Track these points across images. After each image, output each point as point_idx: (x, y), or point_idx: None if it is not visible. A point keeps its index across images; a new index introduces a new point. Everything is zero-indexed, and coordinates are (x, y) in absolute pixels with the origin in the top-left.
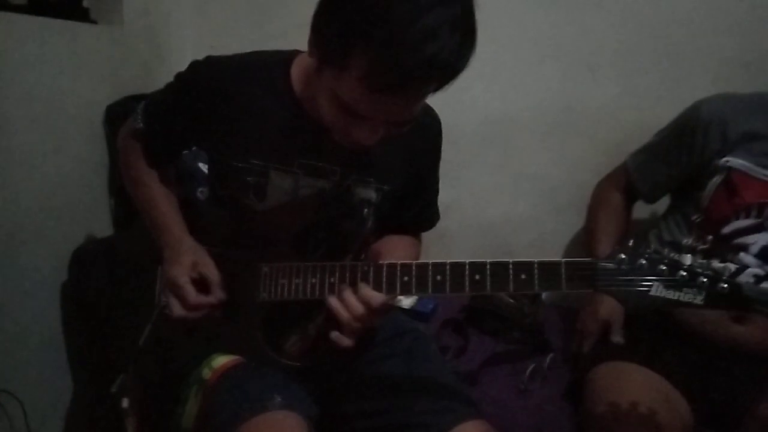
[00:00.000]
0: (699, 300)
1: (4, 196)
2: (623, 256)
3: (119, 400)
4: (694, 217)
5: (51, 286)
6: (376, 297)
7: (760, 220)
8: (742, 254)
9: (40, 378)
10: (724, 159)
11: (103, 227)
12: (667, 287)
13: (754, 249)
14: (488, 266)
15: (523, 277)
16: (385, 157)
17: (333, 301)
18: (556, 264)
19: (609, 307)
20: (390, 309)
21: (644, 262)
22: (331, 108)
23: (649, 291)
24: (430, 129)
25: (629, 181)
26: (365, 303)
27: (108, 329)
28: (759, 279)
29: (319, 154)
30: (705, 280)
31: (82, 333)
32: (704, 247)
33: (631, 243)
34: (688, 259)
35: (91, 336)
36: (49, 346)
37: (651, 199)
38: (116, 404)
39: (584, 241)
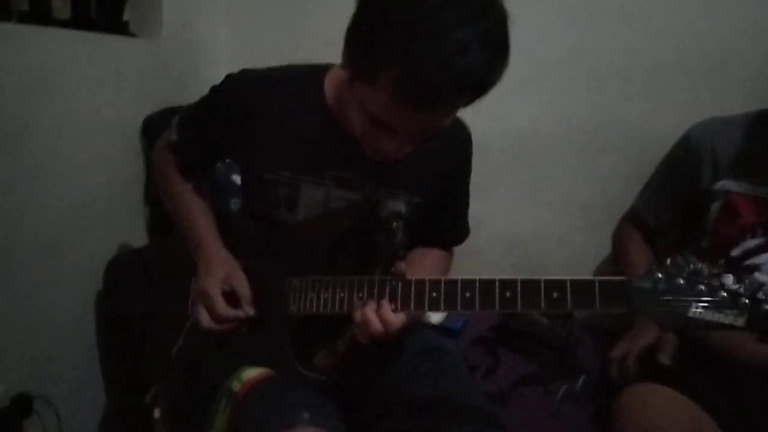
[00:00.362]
0: (740, 322)
1: (43, 207)
2: (660, 276)
3: (151, 411)
4: (703, 243)
5: (87, 295)
6: (395, 321)
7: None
8: (756, 274)
9: (75, 386)
10: (720, 183)
11: (138, 237)
12: (707, 308)
13: (767, 268)
14: (519, 284)
15: (555, 295)
16: (415, 169)
17: (355, 316)
18: (590, 282)
19: (651, 331)
20: (409, 329)
21: (682, 281)
22: (361, 120)
23: (687, 312)
24: (460, 141)
25: (641, 219)
26: (384, 323)
27: (141, 340)
28: None
29: (350, 166)
30: (747, 301)
31: (116, 343)
32: (718, 271)
33: (668, 261)
34: (729, 279)
35: (125, 346)
36: (85, 355)
37: (661, 234)
38: (149, 415)
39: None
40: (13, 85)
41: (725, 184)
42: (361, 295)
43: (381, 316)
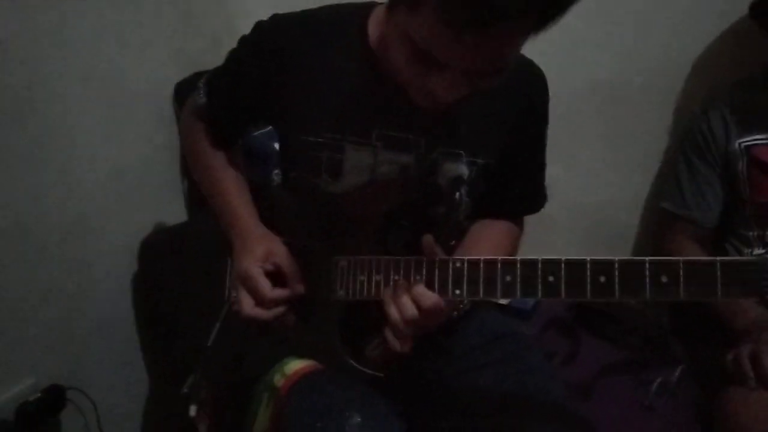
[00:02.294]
0: None
1: (67, 183)
2: None
3: (189, 402)
4: (747, 211)
5: (122, 279)
6: (428, 297)
7: None
8: None
9: (113, 376)
10: (737, 142)
11: (176, 213)
12: None
13: None
14: (617, 266)
15: (664, 280)
16: (477, 123)
17: (385, 298)
18: (709, 264)
19: None
20: (445, 315)
21: None
22: (405, 55)
23: None
24: (533, 88)
25: (685, 222)
26: (416, 302)
27: (177, 327)
28: None
29: (399, 123)
30: None
31: (153, 329)
32: None
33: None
34: None
35: (162, 333)
36: (123, 343)
37: (713, 222)
38: (187, 406)
39: None
40: (23, 44)
41: (742, 141)
42: (418, 277)
43: (414, 294)
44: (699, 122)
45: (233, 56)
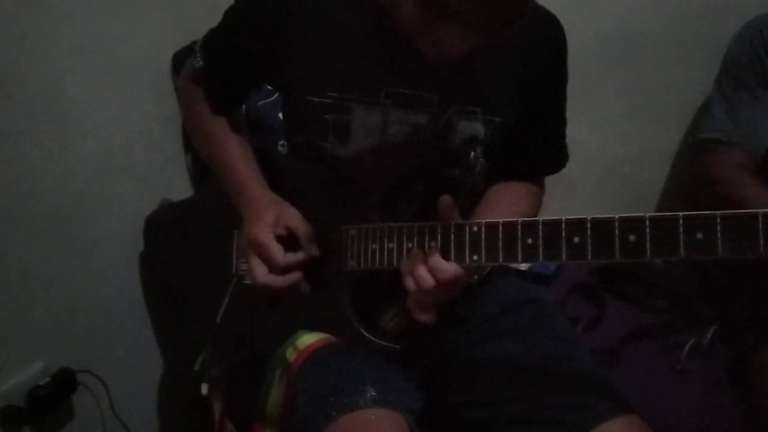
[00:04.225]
0: None
1: (65, 161)
2: None
3: (201, 380)
4: None
5: (128, 257)
6: (447, 270)
7: None
8: None
9: (125, 357)
10: None
11: (181, 188)
12: None
13: None
14: (648, 223)
15: (699, 236)
16: (494, 78)
17: (402, 270)
18: (751, 217)
19: None
20: (466, 282)
21: None
22: (413, 2)
23: None
24: (551, 40)
25: (731, 150)
26: (433, 273)
27: (186, 304)
28: None
29: (410, 80)
30: None
31: (163, 307)
32: None
33: None
34: None
35: (172, 311)
36: (133, 323)
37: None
38: (199, 383)
39: None
40: (5, 14)
41: None
42: (433, 244)
43: (430, 266)
44: (737, 46)
45: (231, 14)
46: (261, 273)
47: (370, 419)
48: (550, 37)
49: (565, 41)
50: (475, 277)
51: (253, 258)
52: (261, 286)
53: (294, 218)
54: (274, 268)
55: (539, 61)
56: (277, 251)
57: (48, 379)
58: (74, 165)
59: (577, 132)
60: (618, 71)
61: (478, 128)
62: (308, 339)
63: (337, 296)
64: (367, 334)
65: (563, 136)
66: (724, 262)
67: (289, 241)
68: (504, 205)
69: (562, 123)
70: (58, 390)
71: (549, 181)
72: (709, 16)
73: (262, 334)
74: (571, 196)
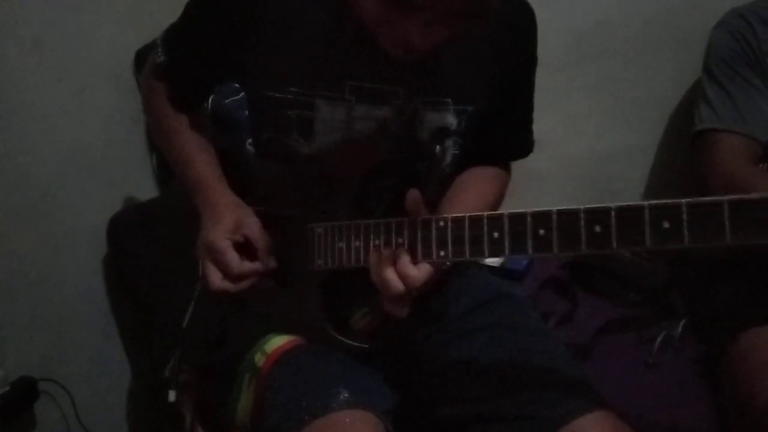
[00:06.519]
0: None
1: (25, 162)
2: None
3: (171, 386)
4: None
5: (92, 260)
6: (417, 276)
7: None
8: None
9: (89, 364)
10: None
11: (145, 189)
12: None
13: None
14: (613, 213)
15: (665, 225)
16: (464, 67)
17: (371, 271)
18: (716, 204)
19: None
20: (438, 277)
21: None
22: None
23: None
24: (521, 27)
25: (730, 138)
26: (404, 280)
27: (153, 308)
28: None
29: (374, 73)
30: None
31: (129, 311)
32: None
33: None
34: None
35: (139, 315)
36: (97, 328)
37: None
38: (169, 389)
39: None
40: None
41: None
42: (401, 240)
43: (399, 271)
44: (737, 28)
45: (192, 7)
46: (216, 279)
47: (345, 421)
48: (522, 20)
49: (535, 24)
50: (447, 263)
51: (208, 263)
52: (215, 292)
53: (254, 229)
54: (228, 275)
55: (510, 48)
56: (232, 259)
57: (7, 388)
58: (33, 165)
59: (549, 127)
60: (589, 67)
61: (449, 119)
62: (276, 342)
63: (306, 297)
64: (335, 335)
65: (531, 121)
66: (697, 253)
67: (246, 247)
68: (471, 191)
69: (530, 109)
70: (18, 399)
71: (517, 176)
72: (681, 12)
73: (231, 338)
74: (542, 191)
